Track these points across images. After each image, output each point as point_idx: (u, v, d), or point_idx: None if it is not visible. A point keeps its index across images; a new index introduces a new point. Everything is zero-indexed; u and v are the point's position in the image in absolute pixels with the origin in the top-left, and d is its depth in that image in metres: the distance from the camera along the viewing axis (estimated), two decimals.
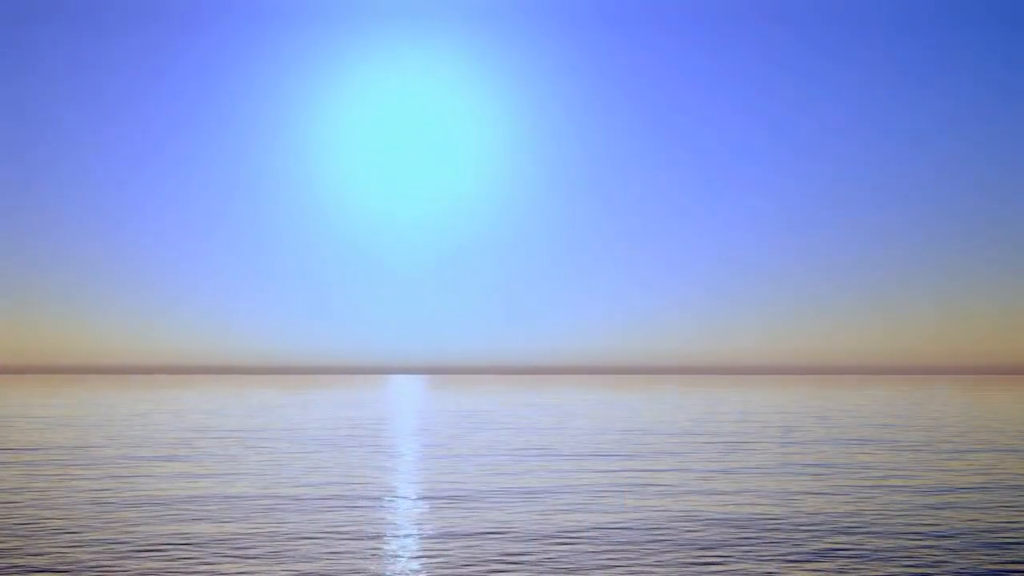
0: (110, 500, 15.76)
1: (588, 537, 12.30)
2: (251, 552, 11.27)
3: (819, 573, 10.17)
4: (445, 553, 11.22)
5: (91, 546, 11.62)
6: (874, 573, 10.18)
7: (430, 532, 12.66)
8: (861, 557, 11.02)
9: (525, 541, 12.01)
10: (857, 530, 12.88)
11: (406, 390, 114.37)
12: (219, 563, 10.63)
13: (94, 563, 10.61)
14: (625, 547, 11.62)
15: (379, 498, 15.99)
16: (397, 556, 11.03)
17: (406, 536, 12.36)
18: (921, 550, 11.48)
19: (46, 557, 10.95)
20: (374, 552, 11.27)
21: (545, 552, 11.29)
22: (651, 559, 10.89)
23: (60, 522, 13.45)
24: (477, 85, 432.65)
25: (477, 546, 11.68)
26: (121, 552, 11.24)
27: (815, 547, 11.63)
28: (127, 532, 12.62)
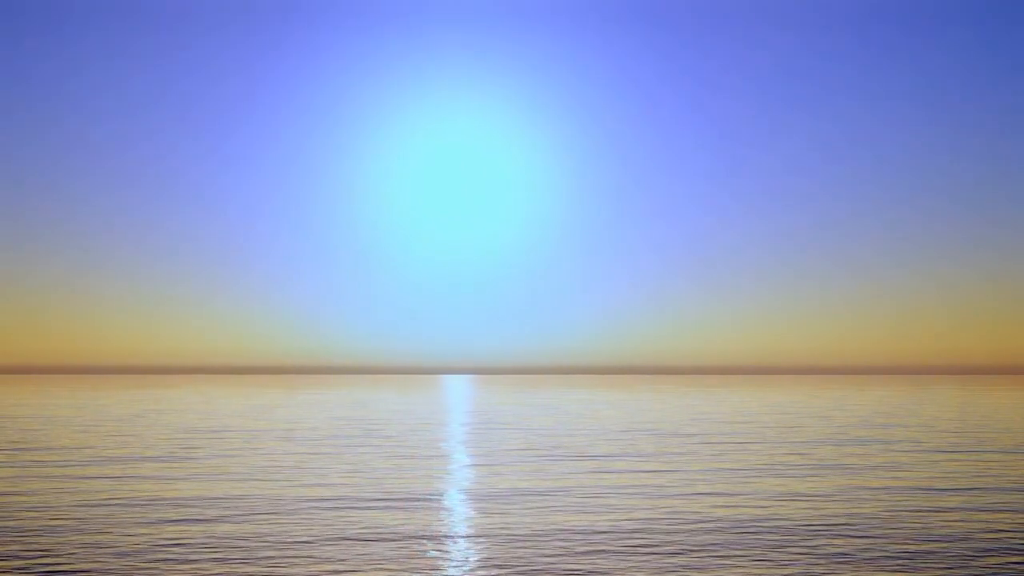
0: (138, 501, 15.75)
1: (581, 539, 12.29)
2: (236, 556, 11.26)
3: None
4: (431, 555, 11.22)
5: (92, 548, 11.61)
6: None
7: (420, 534, 12.65)
8: (855, 560, 11.01)
9: (513, 544, 11.99)
10: (851, 532, 12.87)
11: (443, 390, 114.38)
12: (208, 566, 10.62)
13: (106, 570, 10.60)
14: (621, 550, 11.60)
15: (375, 500, 15.98)
16: (388, 559, 11.03)
17: (400, 539, 12.35)
18: (916, 553, 11.46)
19: (43, 559, 10.95)
20: (367, 555, 11.27)
21: (539, 553, 11.28)
22: (656, 562, 10.88)
23: (48, 523, 13.45)
24: (507, 119, 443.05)
25: (468, 549, 11.67)
26: (110, 556, 11.23)
27: (828, 550, 11.62)
28: (129, 535, 12.61)
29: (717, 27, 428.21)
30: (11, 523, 13.55)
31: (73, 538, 12.29)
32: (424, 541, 12.11)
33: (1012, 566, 10.67)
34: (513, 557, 11.09)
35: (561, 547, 11.71)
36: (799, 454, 24.81)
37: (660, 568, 10.48)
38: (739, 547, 11.71)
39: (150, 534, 12.59)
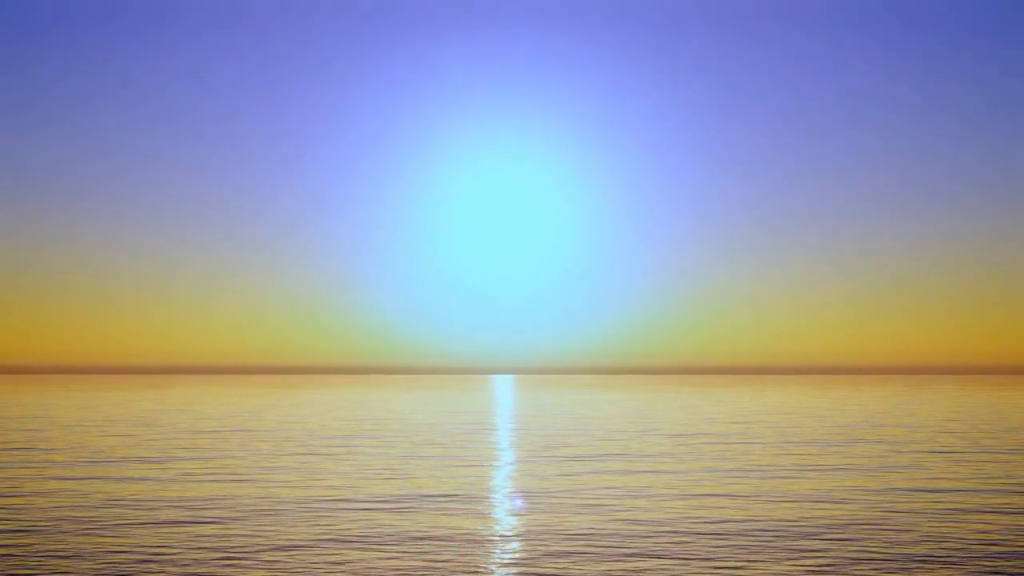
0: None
1: (578, 542, 12.28)
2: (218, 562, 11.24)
3: None
4: (407, 556, 11.20)
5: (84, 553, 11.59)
6: None
7: (412, 536, 12.65)
8: (854, 564, 10.99)
9: (498, 546, 11.98)
10: (851, 535, 12.84)
11: (470, 390, 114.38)
12: (201, 569, 10.61)
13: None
14: (613, 555, 11.59)
15: (364, 502, 15.97)
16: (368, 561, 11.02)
17: (387, 541, 12.34)
18: (915, 556, 11.45)
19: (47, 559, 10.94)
20: (356, 559, 11.27)
21: (520, 557, 11.28)
22: (656, 566, 10.87)
23: (50, 523, 13.44)
24: (545, 149, 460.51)
25: (453, 551, 11.66)
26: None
27: (828, 554, 11.61)
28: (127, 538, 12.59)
29: (726, 31, 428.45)
30: (10, 525, 13.54)
31: (73, 540, 12.28)
32: (417, 543, 12.11)
33: (1011, 568, 10.65)
34: (499, 561, 11.08)
35: (540, 550, 11.70)
36: (799, 455, 24.79)
37: (661, 572, 10.47)
38: (741, 550, 11.70)
39: (150, 536, 12.58)
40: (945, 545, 12.04)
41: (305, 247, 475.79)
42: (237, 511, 14.78)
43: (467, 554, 11.40)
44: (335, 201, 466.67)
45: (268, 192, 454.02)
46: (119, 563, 10.82)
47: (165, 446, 27.56)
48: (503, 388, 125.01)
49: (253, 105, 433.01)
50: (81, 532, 12.88)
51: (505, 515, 14.45)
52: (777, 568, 10.62)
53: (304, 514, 14.46)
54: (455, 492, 17.13)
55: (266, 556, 11.25)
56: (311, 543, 12.08)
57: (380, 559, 11.10)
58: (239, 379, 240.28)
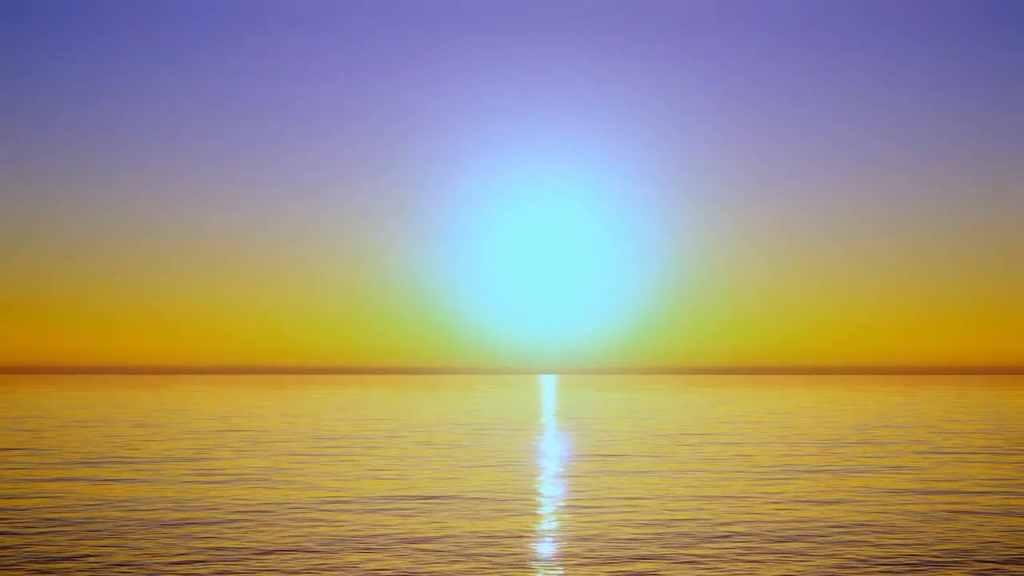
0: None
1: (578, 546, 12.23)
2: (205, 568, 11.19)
3: None
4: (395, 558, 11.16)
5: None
6: None
7: (393, 537, 12.60)
8: (853, 566, 10.94)
9: (476, 547, 11.94)
10: (851, 537, 12.80)
11: (485, 389, 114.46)
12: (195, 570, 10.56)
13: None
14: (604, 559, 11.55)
15: (347, 503, 15.93)
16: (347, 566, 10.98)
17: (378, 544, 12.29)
18: (914, 558, 11.40)
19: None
20: (345, 563, 11.22)
21: (522, 557, 11.23)
22: (663, 571, 10.82)
23: (54, 525, 13.40)
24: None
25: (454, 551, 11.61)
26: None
27: (830, 557, 11.56)
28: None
29: (720, 33, 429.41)
30: (5, 527, 13.50)
31: (69, 541, 12.23)
32: (415, 544, 12.07)
33: (1012, 570, 10.60)
34: (499, 563, 11.04)
35: (540, 552, 11.66)
36: (799, 456, 24.77)
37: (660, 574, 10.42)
38: (740, 552, 11.66)
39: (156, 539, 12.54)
40: (945, 546, 11.99)
41: (344, 249, 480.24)
42: (232, 512, 14.74)
43: (466, 556, 11.35)
44: (373, 204, 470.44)
45: (304, 195, 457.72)
46: (114, 564, 10.77)
47: (163, 447, 27.52)
48: (538, 388, 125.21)
49: (300, 109, 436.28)
50: (77, 533, 12.83)
51: (505, 517, 14.41)
52: (777, 570, 10.57)
53: (302, 515, 14.42)
54: (453, 493, 17.09)
55: (264, 559, 11.20)
56: (309, 545, 12.03)
57: (379, 560, 11.05)
58: (269, 379, 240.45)
